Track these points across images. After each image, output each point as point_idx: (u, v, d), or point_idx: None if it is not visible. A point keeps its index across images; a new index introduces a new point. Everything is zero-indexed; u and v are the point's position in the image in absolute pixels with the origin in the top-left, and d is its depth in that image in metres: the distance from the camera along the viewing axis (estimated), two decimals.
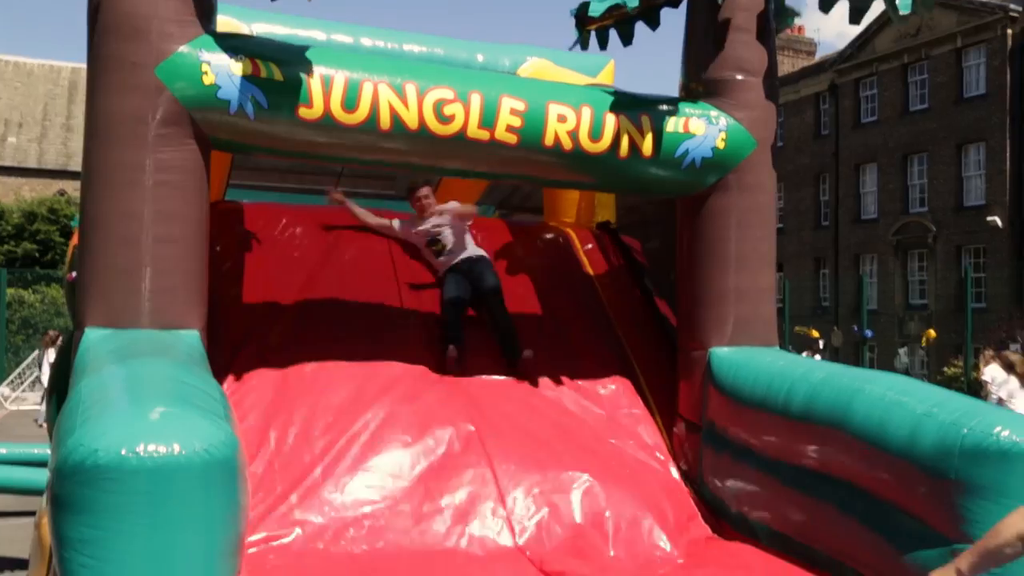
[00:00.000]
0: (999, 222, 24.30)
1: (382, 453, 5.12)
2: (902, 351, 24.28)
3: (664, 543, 5.05)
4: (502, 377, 5.89)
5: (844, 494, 4.45)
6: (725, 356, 5.50)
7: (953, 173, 26.19)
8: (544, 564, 4.66)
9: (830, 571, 4.49)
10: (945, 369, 20.81)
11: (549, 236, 7.07)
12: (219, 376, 4.68)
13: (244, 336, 5.67)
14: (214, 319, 5.39)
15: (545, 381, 5.93)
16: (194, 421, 2.95)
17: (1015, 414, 3.98)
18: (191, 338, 4.60)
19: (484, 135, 5.14)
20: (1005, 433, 3.69)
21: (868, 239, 29.37)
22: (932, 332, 20.59)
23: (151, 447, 2.76)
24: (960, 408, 3.95)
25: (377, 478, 5.00)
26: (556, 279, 6.71)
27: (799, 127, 32.63)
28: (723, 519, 5.39)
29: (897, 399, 4.22)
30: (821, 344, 18.29)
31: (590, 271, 6.87)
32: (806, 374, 4.89)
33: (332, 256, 6.41)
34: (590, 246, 7.07)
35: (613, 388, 6.01)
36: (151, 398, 3.19)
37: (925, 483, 3.90)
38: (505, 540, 4.89)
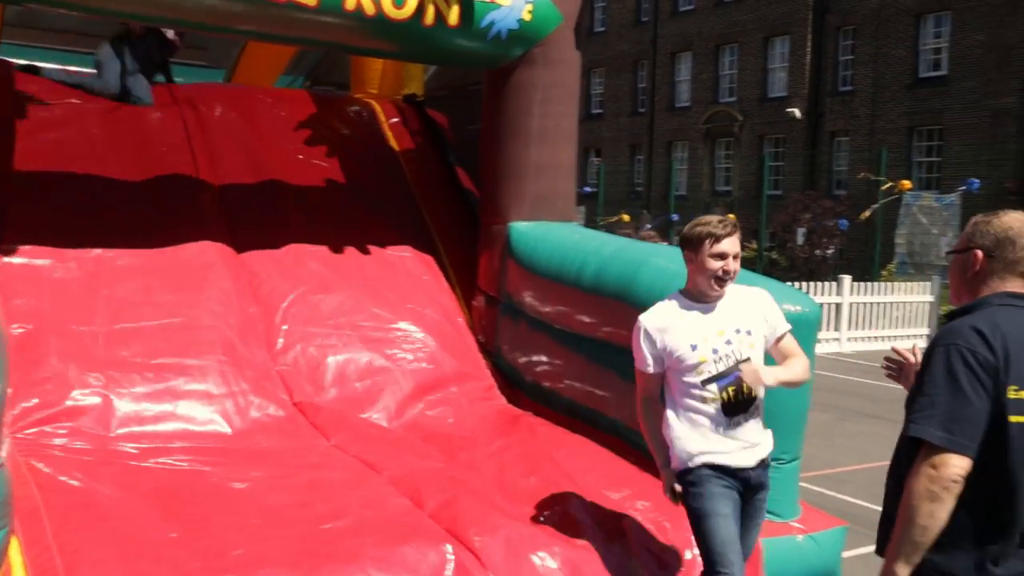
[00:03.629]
0: (797, 113, 25.67)
1: (169, 346, 4.94)
2: None
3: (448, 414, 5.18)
4: (297, 254, 5.75)
5: (627, 361, 4.67)
6: (524, 230, 5.60)
7: (760, 65, 27.30)
8: (324, 426, 4.73)
9: (613, 432, 4.76)
10: (742, 252, 22.21)
11: (354, 108, 6.87)
12: None
13: (21, 211, 5.25)
14: None
15: (348, 251, 5.85)
16: None
17: (780, 284, 4.27)
18: None
19: None
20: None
21: (681, 126, 30.34)
22: (732, 216, 21.80)
23: None
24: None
25: (158, 374, 4.82)
26: (360, 151, 6.56)
27: (620, 13, 32.88)
28: (519, 389, 5.59)
29: (678, 270, 4.41)
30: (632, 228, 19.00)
31: (395, 144, 6.75)
32: (598, 248, 5.05)
33: (119, 128, 5.97)
34: (395, 120, 6.94)
35: (414, 261, 6.01)
36: None
37: None
38: (281, 394, 4.95)
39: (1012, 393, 2.17)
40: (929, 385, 2.22)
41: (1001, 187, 18.57)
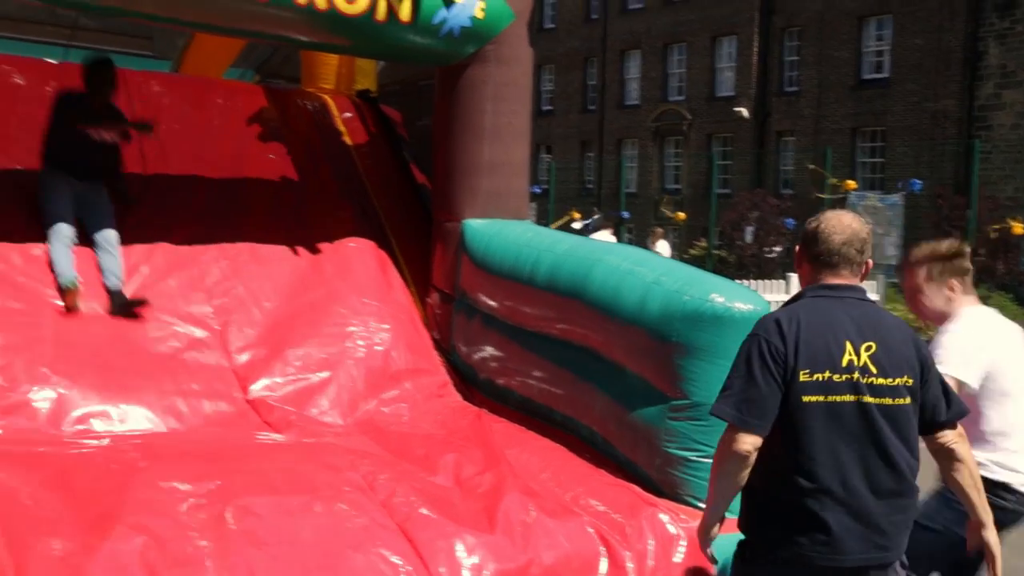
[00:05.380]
0: (745, 113, 26.03)
1: (108, 338, 4.87)
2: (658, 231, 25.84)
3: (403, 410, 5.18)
4: (249, 248, 5.70)
5: (582, 358, 4.72)
6: (477, 228, 5.60)
7: (707, 64, 27.62)
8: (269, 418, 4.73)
9: (567, 429, 4.79)
10: (691, 250, 22.44)
11: (306, 102, 6.81)
12: None
13: None
14: None
15: (302, 247, 5.80)
16: None
17: (731, 283, 4.33)
18: None
19: None
20: (720, 299, 4.00)
21: (630, 124, 30.56)
22: (681, 215, 21.96)
23: None
24: (684, 277, 4.23)
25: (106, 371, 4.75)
26: (312, 147, 6.50)
27: (570, 10, 33.00)
28: (473, 386, 5.59)
29: (631, 268, 4.47)
30: (578, 226, 19.10)
31: (348, 140, 6.71)
32: (552, 246, 5.07)
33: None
34: (349, 114, 6.89)
35: (367, 258, 5.98)
36: None
37: (651, 346, 4.19)
38: (235, 392, 4.95)
39: (804, 376, 2.45)
40: (732, 370, 2.55)
41: (942, 187, 19.02)
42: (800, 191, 22.03)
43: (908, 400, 2.49)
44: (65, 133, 5.32)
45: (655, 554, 3.70)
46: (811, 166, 19.10)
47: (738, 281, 6.69)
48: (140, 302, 5.18)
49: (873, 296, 14.74)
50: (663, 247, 16.67)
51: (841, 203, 17.57)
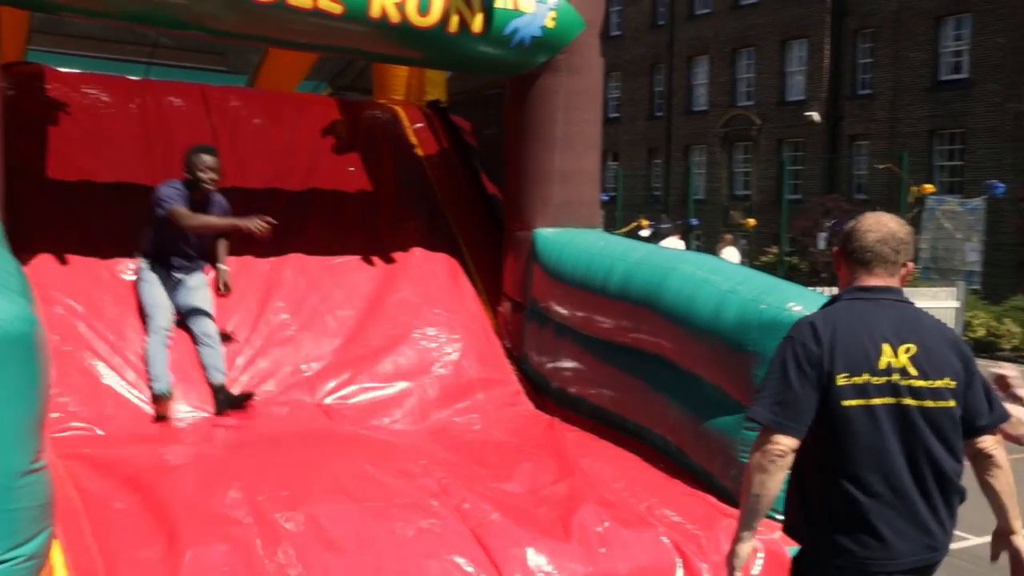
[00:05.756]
0: (816, 117, 25.58)
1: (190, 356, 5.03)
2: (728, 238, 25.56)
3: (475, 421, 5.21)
4: (324, 259, 5.81)
5: (655, 367, 4.69)
6: (549, 237, 5.61)
7: (777, 68, 27.23)
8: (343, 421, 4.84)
9: (640, 438, 4.77)
10: (762, 257, 22.11)
11: (378, 114, 6.91)
12: (20, 255, 4.36)
13: (50, 216, 5.32)
14: (12, 194, 5.02)
15: (375, 258, 5.90)
16: None
17: (808, 291, 4.27)
18: None
19: (306, 3, 4.90)
20: (798, 308, 3.95)
21: (698, 130, 30.28)
22: (752, 221, 21.68)
23: None
24: (760, 285, 4.19)
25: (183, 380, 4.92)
26: (384, 157, 6.59)
27: (636, 17, 32.87)
28: (545, 395, 5.60)
29: (706, 277, 4.44)
30: (646, 233, 18.99)
31: (419, 150, 6.78)
32: (625, 254, 5.06)
33: (150, 132, 6.02)
34: (420, 125, 6.97)
35: (439, 267, 6.04)
36: None
37: (726, 355, 4.16)
38: (308, 399, 5.10)
39: (842, 380, 2.41)
40: (767, 372, 2.52)
41: None
42: (874, 196, 21.55)
43: (952, 403, 2.46)
44: (166, 225, 5.10)
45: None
46: (881, 165, 18.67)
47: (812, 289, 6.59)
48: (246, 396, 4.98)
49: (954, 303, 14.36)
50: (732, 254, 16.47)
51: (919, 207, 17.15)
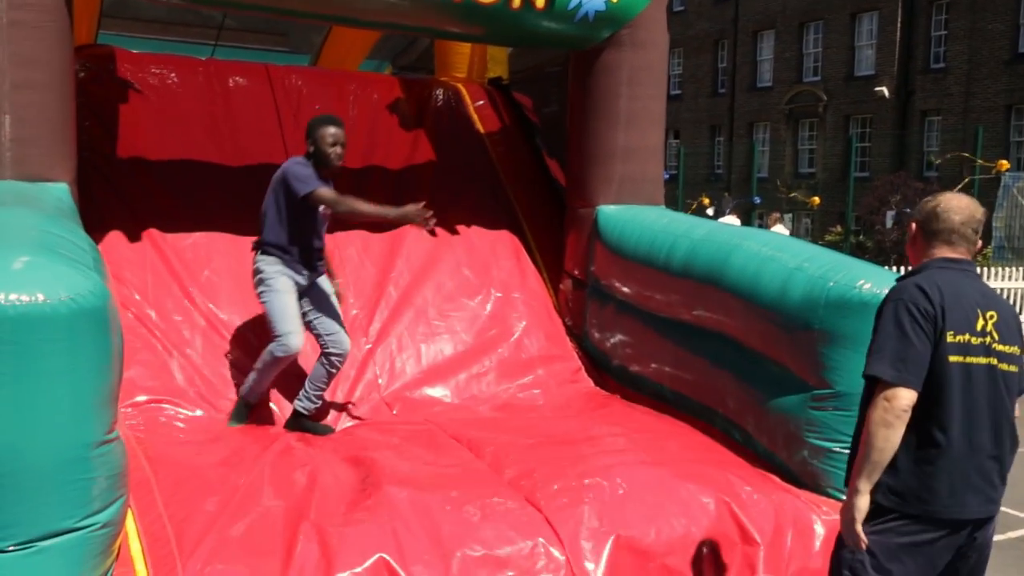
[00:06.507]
0: (886, 92, 24.92)
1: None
2: (787, 216, 25.11)
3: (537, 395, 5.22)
4: (387, 235, 5.84)
5: (717, 346, 4.64)
6: (612, 214, 5.57)
7: (846, 42, 26.56)
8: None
9: (703, 418, 4.73)
10: (826, 236, 21.69)
11: (440, 91, 6.90)
12: (90, 234, 4.47)
13: (120, 195, 5.44)
14: (86, 174, 5.14)
15: (437, 235, 5.91)
16: (59, 270, 2.83)
17: (877, 268, 4.17)
18: (59, 191, 4.38)
19: None
20: (867, 285, 3.86)
21: (762, 107, 29.75)
22: (816, 199, 21.26)
23: (13, 296, 2.64)
24: (828, 263, 4.10)
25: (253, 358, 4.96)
26: (446, 135, 6.60)
27: None
28: (605, 372, 5.58)
29: (771, 254, 4.36)
30: (711, 212, 18.75)
31: (480, 128, 6.77)
32: (688, 231, 5.00)
33: (216, 111, 6.11)
34: (481, 102, 6.95)
35: (500, 244, 6.03)
36: (15, 247, 3.03)
37: (793, 333, 4.09)
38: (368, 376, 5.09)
39: (950, 337, 2.59)
40: (880, 333, 2.64)
41: None
42: (945, 173, 20.95)
43: (1016, 368, 2.69)
44: (298, 212, 4.44)
45: (793, 546, 3.62)
46: (950, 155, 18.14)
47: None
48: (325, 429, 4.61)
49: None
50: (781, 231, 16.18)
51: (994, 184, 16.63)
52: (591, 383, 5.51)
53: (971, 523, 2.62)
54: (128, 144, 5.69)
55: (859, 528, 2.61)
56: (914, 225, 2.80)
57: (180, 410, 4.57)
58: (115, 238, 5.19)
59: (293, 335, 4.42)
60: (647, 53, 5.61)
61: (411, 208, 4.37)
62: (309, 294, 4.63)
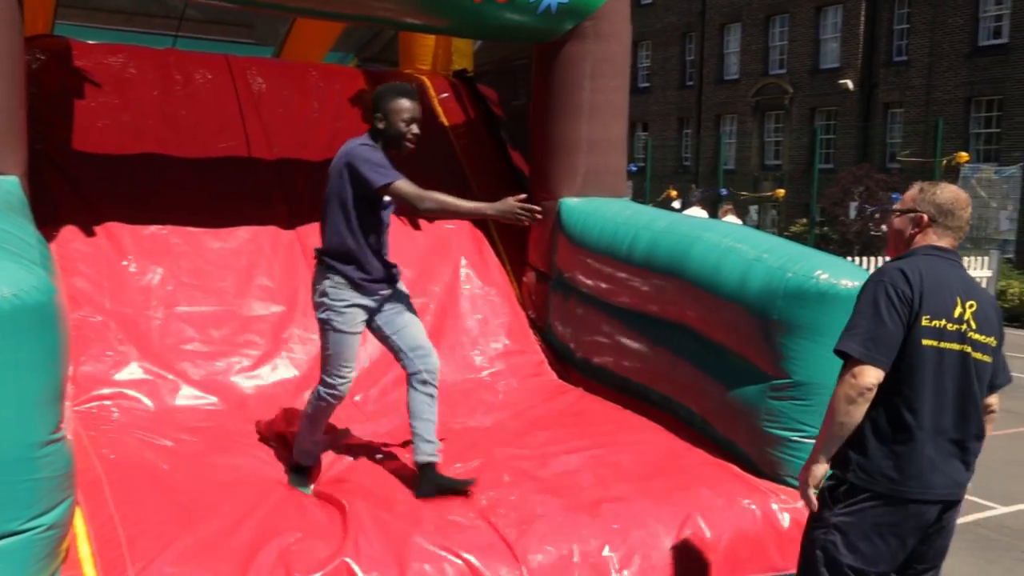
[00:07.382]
0: (850, 85, 25.12)
1: (222, 327, 5.02)
2: (752, 208, 25.28)
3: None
4: None
5: (679, 337, 4.65)
6: (574, 206, 5.56)
7: (811, 35, 26.74)
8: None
9: (664, 409, 4.73)
10: (791, 227, 21.85)
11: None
12: (43, 228, 4.37)
13: (76, 187, 5.34)
14: (40, 166, 5.04)
15: (400, 227, 5.86)
16: (3, 265, 2.76)
17: (836, 259, 4.19)
18: (8, 184, 4.28)
19: None
20: (824, 276, 3.88)
21: (729, 100, 29.87)
22: (782, 192, 21.40)
23: None
24: (787, 254, 4.11)
25: (210, 357, 4.90)
26: None
27: None
28: (569, 364, 5.57)
29: (732, 246, 4.37)
30: (678, 205, 18.81)
31: (445, 120, 6.73)
32: (650, 223, 5.00)
33: (175, 102, 6.01)
34: (446, 95, 6.91)
35: (465, 236, 6.00)
36: None
37: (752, 324, 4.10)
38: None
39: (925, 321, 2.64)
40: (857, 312, 2.70)
41: None
42: (907, 165, 21.17)
43: (990, 359, 2.74)
44: (368, 211, 3.67)
45: (755, 543, 3.64)
46: (906, 152, 18.32)
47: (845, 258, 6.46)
48: (465, 483, 3.72)
49: (987, 272, 14.11)
50: (733, 220, 16.22)
51: (953, 176, 16.84)
52: (554, 376, 5.49)
53: (938, 504, 2.68)
54: (84, 136, 5.59)
55: (811, 493, 2.74)
56: (925, 217, 2.80)
57: (136, 406, 4.48)
58: (70, 231, 5.09)
59: (347, 383, 3.74)
60: (610, 45, 5.60)
61: (512, 201, 3.58)
62: (384, 308, 3.82)
